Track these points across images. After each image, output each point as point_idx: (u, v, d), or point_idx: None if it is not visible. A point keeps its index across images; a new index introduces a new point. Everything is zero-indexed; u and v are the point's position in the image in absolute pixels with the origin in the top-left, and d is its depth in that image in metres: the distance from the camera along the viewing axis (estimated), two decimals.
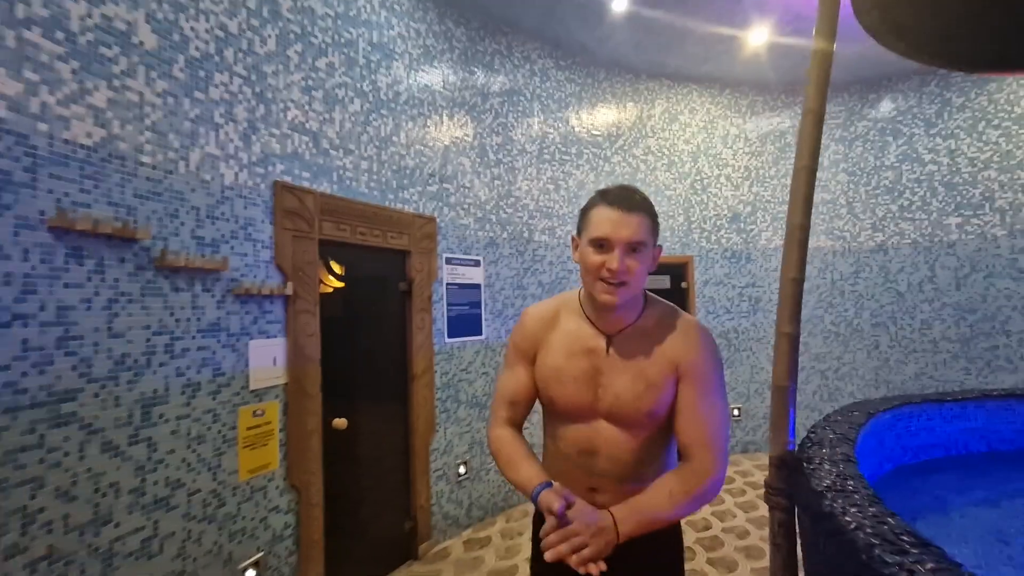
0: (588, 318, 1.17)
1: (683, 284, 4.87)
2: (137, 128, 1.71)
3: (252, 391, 2.12)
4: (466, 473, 3.42)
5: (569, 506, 0.97)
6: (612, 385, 1.11)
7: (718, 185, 4.99)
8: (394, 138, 3.01)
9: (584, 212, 1.13)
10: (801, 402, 5.01)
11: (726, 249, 4.98)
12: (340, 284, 2.77)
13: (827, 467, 1.42)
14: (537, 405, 1.26)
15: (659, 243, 1.21)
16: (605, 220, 1.06)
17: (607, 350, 1.13)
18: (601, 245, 1.07)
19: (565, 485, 1.10)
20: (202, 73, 1.96)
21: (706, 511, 3.64)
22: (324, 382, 2.48)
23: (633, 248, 1.06)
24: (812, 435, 2.18)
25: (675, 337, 1.13)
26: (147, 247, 1.73)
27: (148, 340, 1.73)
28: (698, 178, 4.95)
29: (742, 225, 5.02)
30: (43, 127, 1.47)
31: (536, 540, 1.23)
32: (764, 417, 4.96)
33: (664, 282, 4.82)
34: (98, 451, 1.55)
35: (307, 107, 2.46)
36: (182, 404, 1.83)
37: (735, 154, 5.03)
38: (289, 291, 2.29)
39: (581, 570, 0.92)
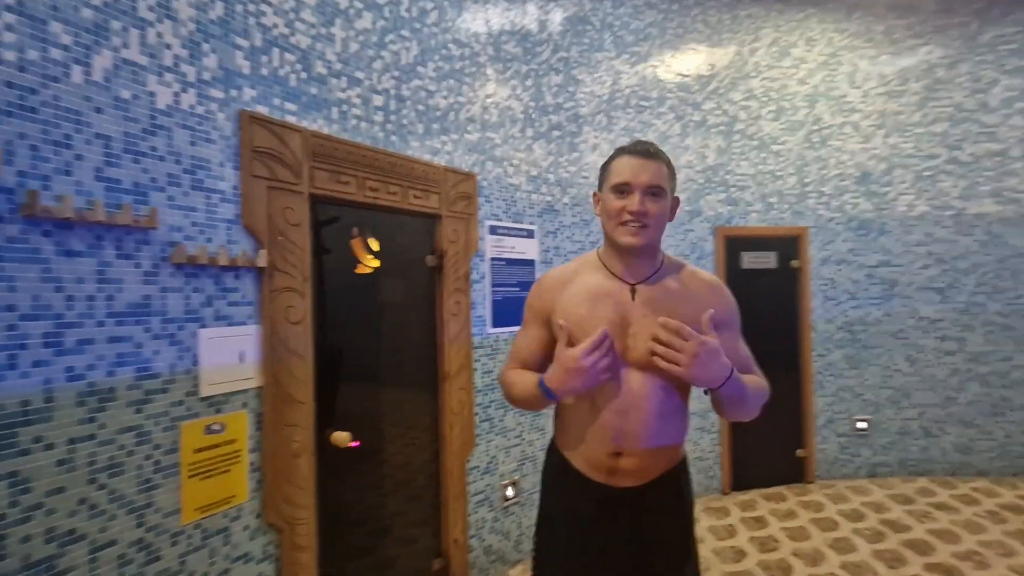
0: (610, 270, 1.20)
1: (793, 263, 3.88)
2: None
3: (204, 398, 1.53)
4: (515, 497, 2.73)
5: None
6: (644, 331, 1.12)
7: (842, 136, 3.92)
8: (419, 68, 2.32)
9: (605, 166, 1.20)
10: (953, 415, 3.88)
11: (851, 218, 3.92)
12: (377, 263, 2.15)
13: None
14: None
15: (677, 195, 1.21)
16: (625, 167, 1.13)
17: (632, 298, 1.15)
18: (622, 191, 1.13)
19: (590, 449, 1.18)
20: None
21: (833, 561, 2.73)
22: (319, 385, 1.87)
23: (653, 192, 1.12)
24: None
25: (701, 289, 1.20)
26: (7, 188, 1.15)
27: (11, 328, 1.15)
28: (815, 128, 3.91)
29: (874, 187, 3.93)
30: None
31: (547, 511, 1.31)
32: (899, 432, 3.89)
33: (770, 260, 3.85)
34: None
35: (292, 15, 1.83)
36: (77, 420, 1.26)
37: (866, 96, 3.93)
38: (262, 262, 1.68)
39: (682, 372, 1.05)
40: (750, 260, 3.82)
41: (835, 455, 3.88)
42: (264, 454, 1.69)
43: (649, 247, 1.16)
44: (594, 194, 1.24)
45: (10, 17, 1.16)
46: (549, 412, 2.91)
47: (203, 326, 1.54)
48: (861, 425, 3.88)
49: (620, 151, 1.18)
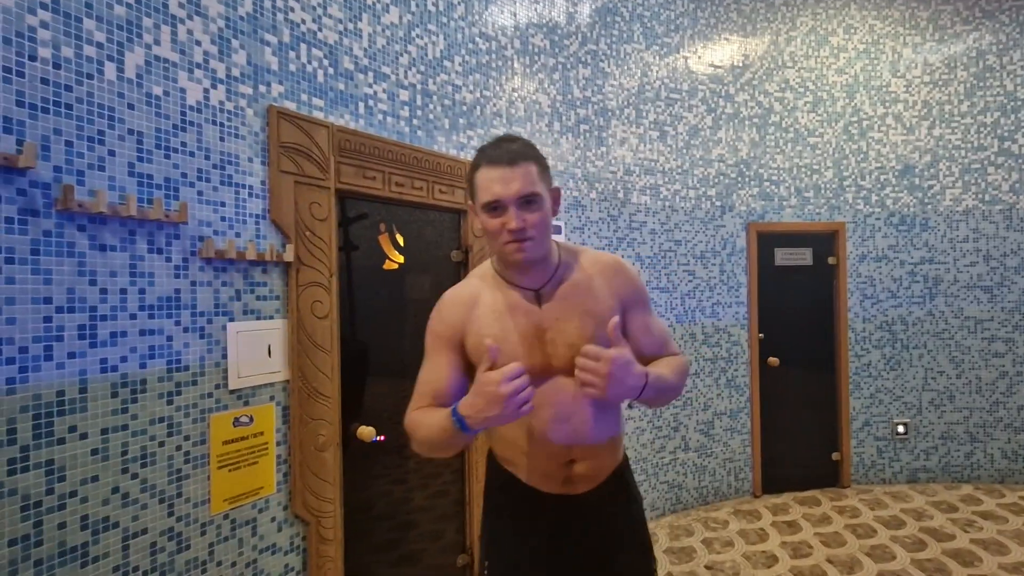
0: (508, 282, 1.13)
1: (830, 260, 3.74)
2: (23, 3, 1.15)
3: (233, 391, 1.55)
4: None
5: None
6: (561, 335, 1.09)
7: (883, 128, 3.76)
8: (446, 63, 2.31)
9: (470, 179, 1.09)
10: (1001, 419, 3.70)
11: (892, 213, 3.76)
12: (402, 259, 2.16)
13: None
14: None
15: (556, 185, 1.17)
16: (491, 181, 1.03)
17: (539, 305, 1.11)
18: (495, 208, 1.04)
19: (541, 463, 1.13)
20: None
21: (870, 569, 2.63)
22: (345, 379, 1.88)
23: (528, 201, 1.03)
24: None
25: (606, 273, 1.16)
26: (44, 183, 1.18)
27: (47, 320, 1.18)
28: (855, 120, 3.75)
29: (917, 181, 3.75)
30: None
31: (492, 524, 1.22)
32: (941, 436, 3.72)
33: (805, 257, 3.72)
34: None
35: (319, 10, 1.83)
36: (111, 411, 1.29)
37: (909, 85, 3.76)
38: (289, 257, 1.69)
39: (597, 393, 0.97)
40: (784, 256, 3.70)
41: (872, 459, 3.74)
42: (291, 447, 1.71)
43: (541, 256, 1.09)
44: (470, 206, 1.13)
45: (45, 15, 1.19)
46: None
47: (232, 320, 1.56)
48: (900, 428, 3.73)
49: (481, 158, 1.06)
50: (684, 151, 3.44)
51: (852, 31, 3.75)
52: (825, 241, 3.74)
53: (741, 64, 3.61)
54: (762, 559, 2.76)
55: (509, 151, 1.04)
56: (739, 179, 3.62)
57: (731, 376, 3.55)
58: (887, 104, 3.75)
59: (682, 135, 3.43)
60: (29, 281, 1.15)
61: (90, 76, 1.26)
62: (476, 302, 1.13)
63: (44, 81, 1.18)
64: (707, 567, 2.69)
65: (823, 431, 3.74)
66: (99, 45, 1.28)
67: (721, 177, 3.57)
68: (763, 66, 3.66)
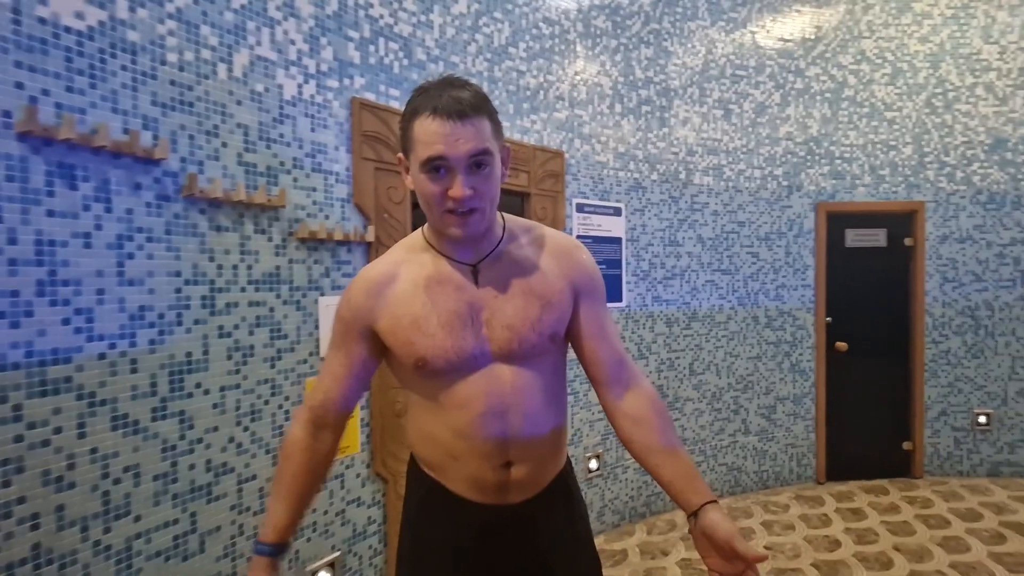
0: (441, 252, 0.94)
1: (906, 241, 3.56)
2: (154, 15, 1.32)
3: (323, 358, 1.72)
4: (598, 469, 2.80)
5: None
6: (499, 316, 0.92)
7: (972, 99, 3.50)
8: (511, 49, 2.38)
9: (405, 126, 0.86)
10: None
11: (980, 191, 3.51)
12: None
13: None
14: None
15: (506, 143, 0.92)
16: (435, 135, 0.80)
17: (476, 282, 0.93)
18: (437, 168, 0.82)
19: (472, 466, 0.94)
20: None
21: (941, 559, 2.55)
22: None
23: (478, 163, 0.83)
24: None
25: (557, 253, 0.98)
26: (173, 172, 1.35)
27: (178, 291, 1.37)
28: (939, 91, 3.52)
29: (1009, 156, 3.49)
30: None
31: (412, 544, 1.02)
32: None
33: (878, 238, 3.56)
34: (106, 427, 1.24)
35: (395, 5, 1.94)
36: (227, 372, 1.48)
37: (1004, 52, 3.47)
38: (370, 237, 1.83)
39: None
40: (855, 238, 3.55)
41: (949, 450, 3.57)
42: (372, 412, 1.87)
43: (485, 230, 0.91)
44: (399, 158, 0.91)
45: (171, 24, 1.35)
46: None
47: (322, 294, 1.72)
48: (982, 419, 3.53)
49: (423, 103, 0.82)
50: (750, 129, 3.36)
51: None
52: (901, 222, 3.56)
53: (813, 37, 3.46)
54: (824, 543, 2.74)
55: (459, 101, 0.81)
56: (808, 157, 3.50)
57: (795, 360, 3.48)
58: (977, 73, 3.49)
59: (748, 113, 3.34)
60: (164, 257, 1.34)
61: (206, 76, 1.43)
62: (393, 280, 0.94)
63: (172, 83, 1.35)
64: (767, 547, 2.70)
65: (894, 419, 3.60)
66: (213, 48, 1.44)
67: (789, 156, 3.46)
68: (837, 37, 3.49)
